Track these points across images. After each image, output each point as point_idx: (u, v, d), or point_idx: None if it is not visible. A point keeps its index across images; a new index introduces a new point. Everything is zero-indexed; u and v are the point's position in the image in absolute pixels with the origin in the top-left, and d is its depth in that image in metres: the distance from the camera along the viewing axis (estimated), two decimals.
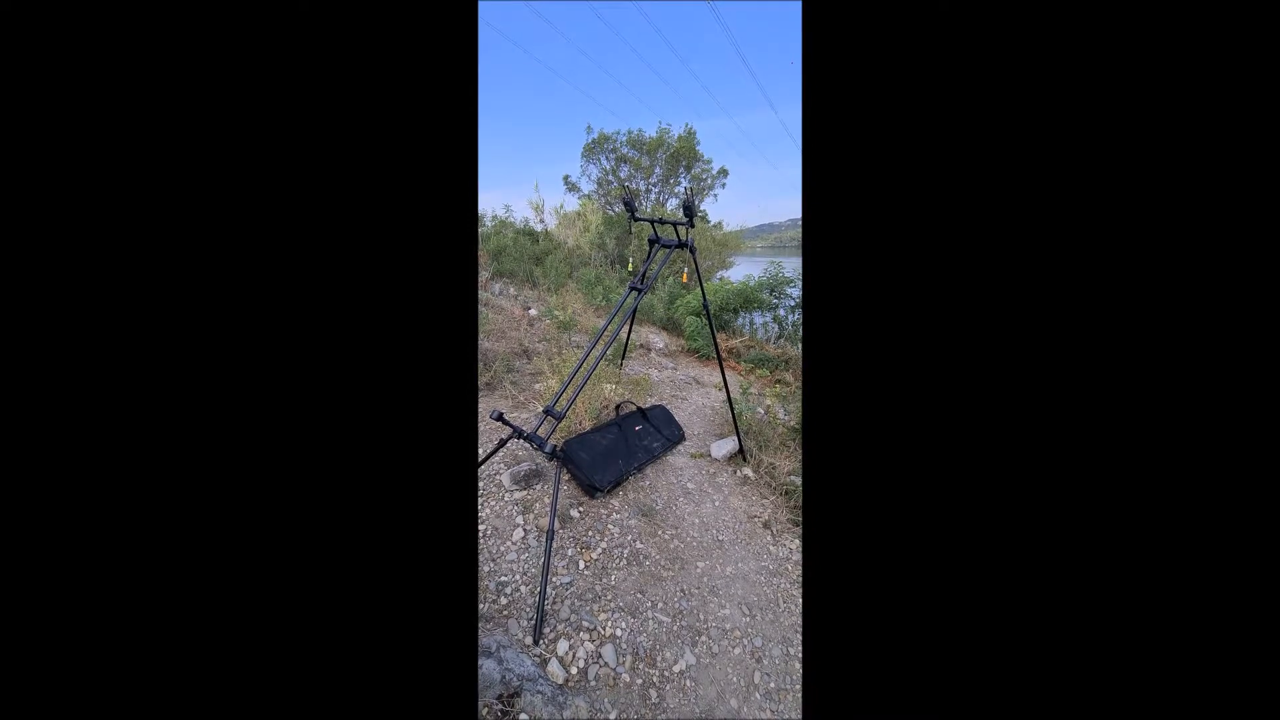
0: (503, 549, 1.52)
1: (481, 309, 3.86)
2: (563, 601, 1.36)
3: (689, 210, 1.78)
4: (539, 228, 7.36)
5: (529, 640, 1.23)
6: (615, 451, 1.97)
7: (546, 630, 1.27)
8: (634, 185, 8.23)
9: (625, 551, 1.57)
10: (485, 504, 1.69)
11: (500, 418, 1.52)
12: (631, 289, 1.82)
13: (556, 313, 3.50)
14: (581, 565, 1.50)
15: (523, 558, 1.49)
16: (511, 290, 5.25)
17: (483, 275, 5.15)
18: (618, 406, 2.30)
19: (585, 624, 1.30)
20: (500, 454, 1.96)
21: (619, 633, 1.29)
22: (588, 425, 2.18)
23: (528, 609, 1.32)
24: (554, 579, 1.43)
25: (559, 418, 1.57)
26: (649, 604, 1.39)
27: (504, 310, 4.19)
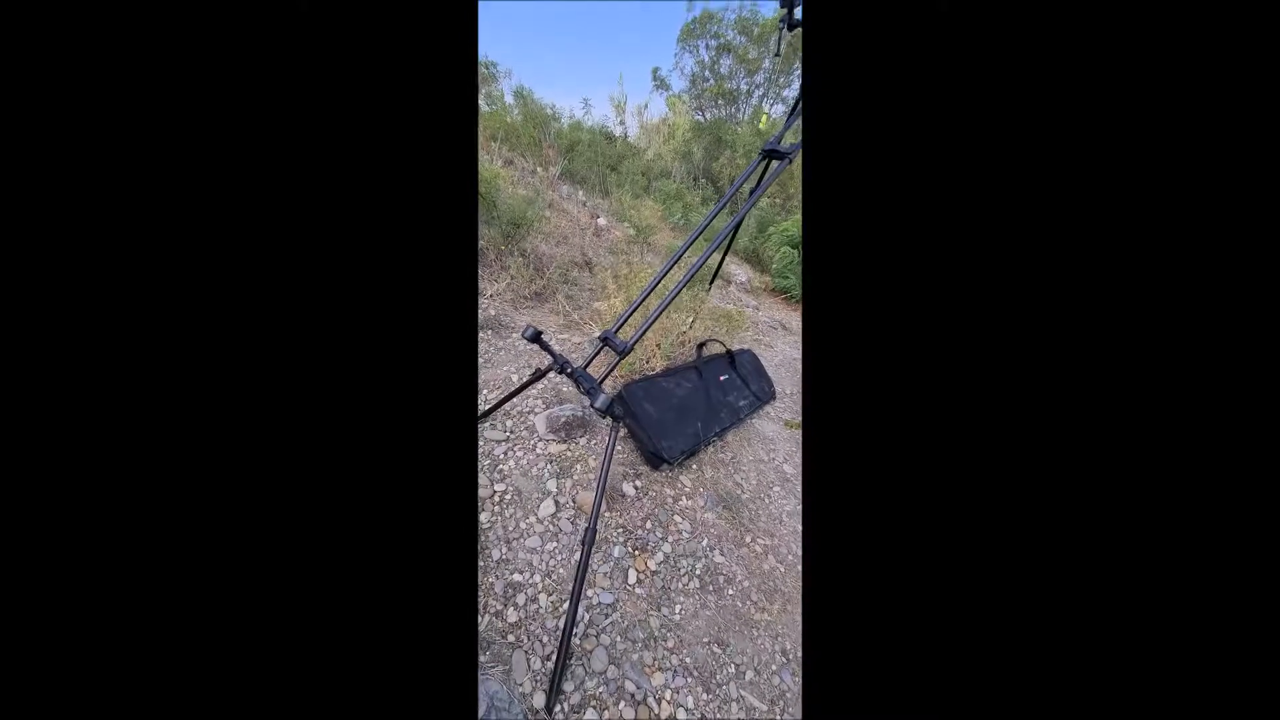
0: (524, 527, 1.05)
1: (544, 211, 3.34)
2: (598, 635, 0.88)
3: None
4: (619, 131, 6.52)
5: (537, 699, 0.77)
6: (692, 408, 1.42)
7: (567, 687, 0.80)
8: (734, 86, 7.03)
9: (699, 565, 1.06)
10: (509, 456, 1.22)
11: (537, 338, 0.99)
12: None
13: (631, 215, 2.88)
14: (633, 578, 1.00)
15: (549, 547, 1.02)
16: (580, 195, 4.68)
17: (550, 172, 4.57)
18: (700, 345, 1.73)
19: (629, 686, 0.82)
20: (536, 387, 1.46)
21: (681, 716, 0.80)
22: (658, 366, 1.63)
23: (545, 637, 0.85)
24: (589, 594, 0.95)
25: (622, 352, 1.02)
26: (731, 666, 0.89)
27: (569, 214, 3.63)
